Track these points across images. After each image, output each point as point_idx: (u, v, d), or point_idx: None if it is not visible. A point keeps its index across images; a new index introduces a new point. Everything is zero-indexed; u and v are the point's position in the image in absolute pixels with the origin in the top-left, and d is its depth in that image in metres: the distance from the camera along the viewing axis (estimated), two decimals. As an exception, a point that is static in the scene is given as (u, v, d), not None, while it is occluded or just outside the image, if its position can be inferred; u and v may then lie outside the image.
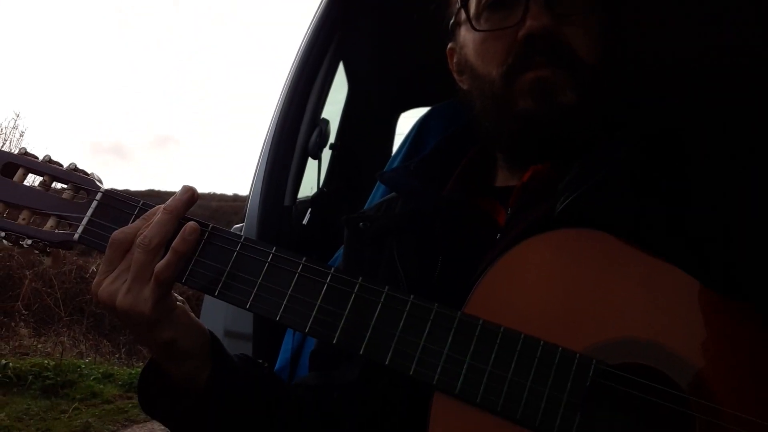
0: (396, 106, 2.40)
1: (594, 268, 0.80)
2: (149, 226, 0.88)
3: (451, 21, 1.13)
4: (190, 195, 0.90)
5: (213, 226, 0.91)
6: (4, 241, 0.97)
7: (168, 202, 0.90)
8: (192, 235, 0.87)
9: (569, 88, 0.98)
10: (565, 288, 0.79)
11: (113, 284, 0.87)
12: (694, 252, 0.80)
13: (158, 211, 0.90)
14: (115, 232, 0.89)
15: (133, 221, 0.93)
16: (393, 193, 1.20)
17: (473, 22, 1.05)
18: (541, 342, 0.75)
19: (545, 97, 0.97)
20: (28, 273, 7.08)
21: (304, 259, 0.86)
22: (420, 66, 1.23)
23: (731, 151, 0.94)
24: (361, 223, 1.11)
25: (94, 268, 7.37)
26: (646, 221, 0.83)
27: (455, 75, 1.16)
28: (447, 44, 1.17)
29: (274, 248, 0.87)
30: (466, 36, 1.09)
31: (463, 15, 1.08)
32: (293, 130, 1.64)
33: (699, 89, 1.54)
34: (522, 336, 0.76)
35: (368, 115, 2.22)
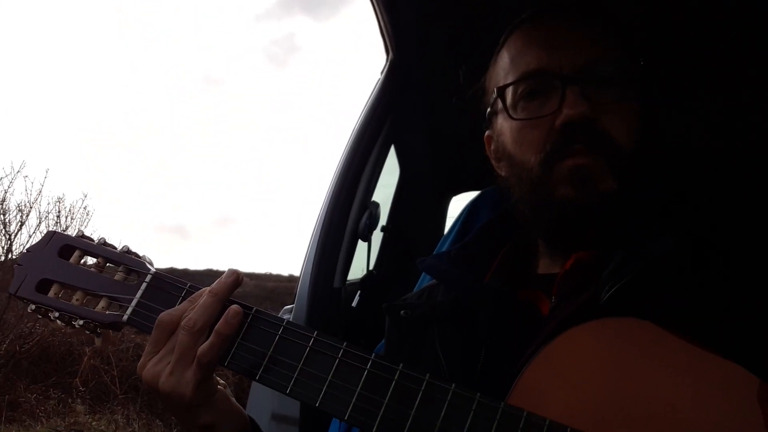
0: (447, 190, 2.42)
1: (641, 360, 0.76)
2: (194, 308, 0.89)
3: (488, 109, 1.16)
4: (234, 278, 0.92)
5: (256, 309, 0.92)
6: (58, 321, 1.00)
7: (213, 285, 0.91)
8: (235, 318, 0.88)
9: (609, 174, 0.97)
10: (611, 380, 0.76)
11: (157, 366, 0.89)
12: (745, 342, 0.76)
13: (204, 294, 0.92)
14: (162, 314, 0.91)
15: (180, 303, 0.94)
16: None
17: (510, 111, 1.07)
18: (589, 437, 0.71)
19: (585, 185, 0.97)
20: (87, 350, 7.23)
21: (344, 344, 0.85)
22: (471, 150, 1.25)
23: None
24: (402, 311, 1.10)
25: (151, 346, 7.47)
26: (693, 310, 0.80)
27: (493, 162, 1.18)
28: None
29: (315, 332, 0.87)
30: (503, 124, 1.10)
31: (499, 104, 1.09)
32: (344, 213, 1.66)
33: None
34: (568, 430, 0.72)
35: (420, 198, 2.24)
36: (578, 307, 0.87)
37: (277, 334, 0.88)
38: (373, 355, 0.84)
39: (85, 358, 7.15)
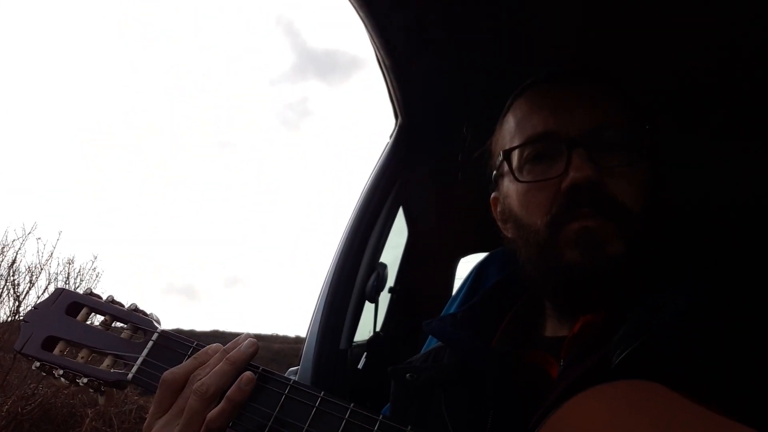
0: (455, 251, 2.42)
1: (653, 424, 0.74)
2: (208, 372, 0.89)
3: (494, 172, 1.17)
4: (254, 349, 0.92)
5: (263, 369, 0.91)
6: (62, 378, 1.00)
7: (232, 354, 0.91)
8: (248, 385, 0.88)
9: (616, 237, 0.96)
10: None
11: (165, 428, 0.88)
12: (757, 405, 0.74)
13: (209, 351, 0.91)
14: (166, 373, 0.90)
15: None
16: None
17: (516, 174, 1.07)
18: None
19: (592, 248, 0.96)
20: (89, 411, 7.13)
21: (352, 405, 0.84)
22: (479, 212, 1.26)
23: None
24: (408, 375, 1.09)
25: (154, 408, 7.35)
26: (705, 372, 0.78)
27: (499, 223, 1.18)
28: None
29: (323, 393, 0.86)
30: (510, 186, 1.11)
31: (506, 166, 1.10)
32: (352, 274, 1.66)
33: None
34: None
35: (428, 260, 2.24)
36: (587, 371, 0.85)
37: (283, 394, 0.88)
38: (381, 416, 0.83)
39: (87, 420, 7.04)
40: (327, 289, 1.64)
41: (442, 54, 1.52)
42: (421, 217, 2.11)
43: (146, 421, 0.91)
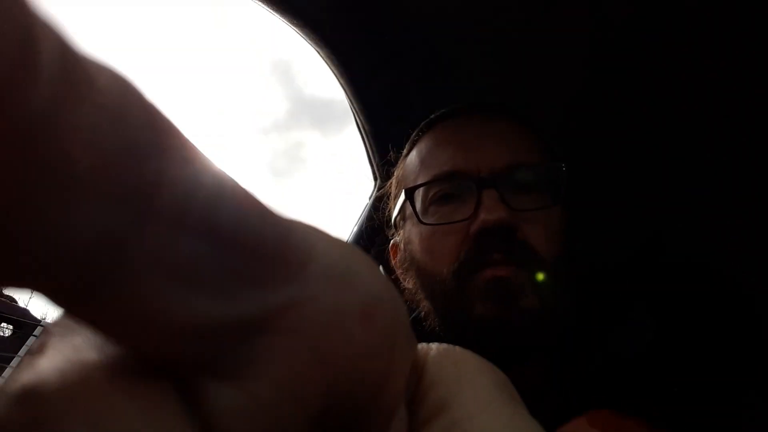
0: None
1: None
2: None
3: (395, 215, 1.05)
4: None
5: None
6: None
7: None
8: None
9: (531, 289, 0.83)
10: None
11: None
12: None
13: None
14: None
15: None
16: None
17: (420, 216, 0.93)
18: None
19: (506, 300, 0.82)
20: None
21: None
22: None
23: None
24: None
25: None
26: (670, 402, 0.75)
27: (399, 272, 1.04)
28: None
29: None
30: (412, 230, 0.97)
31: (409, 209, 0.97)
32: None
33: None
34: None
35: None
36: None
37: None
38: None
39: None
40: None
41: (420, 119, 1.44)
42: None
43: None
